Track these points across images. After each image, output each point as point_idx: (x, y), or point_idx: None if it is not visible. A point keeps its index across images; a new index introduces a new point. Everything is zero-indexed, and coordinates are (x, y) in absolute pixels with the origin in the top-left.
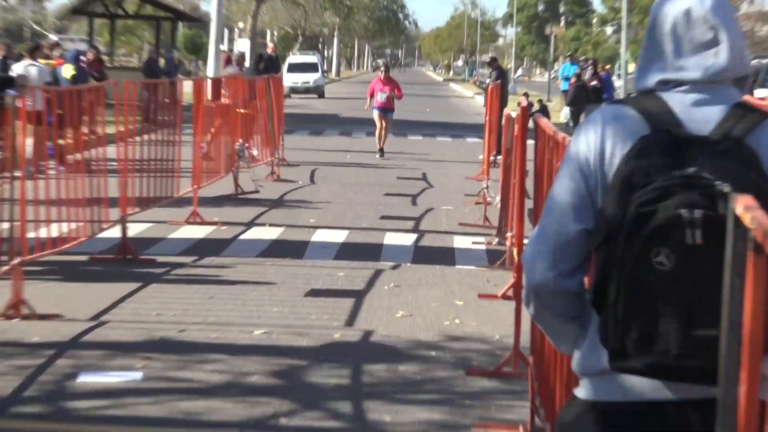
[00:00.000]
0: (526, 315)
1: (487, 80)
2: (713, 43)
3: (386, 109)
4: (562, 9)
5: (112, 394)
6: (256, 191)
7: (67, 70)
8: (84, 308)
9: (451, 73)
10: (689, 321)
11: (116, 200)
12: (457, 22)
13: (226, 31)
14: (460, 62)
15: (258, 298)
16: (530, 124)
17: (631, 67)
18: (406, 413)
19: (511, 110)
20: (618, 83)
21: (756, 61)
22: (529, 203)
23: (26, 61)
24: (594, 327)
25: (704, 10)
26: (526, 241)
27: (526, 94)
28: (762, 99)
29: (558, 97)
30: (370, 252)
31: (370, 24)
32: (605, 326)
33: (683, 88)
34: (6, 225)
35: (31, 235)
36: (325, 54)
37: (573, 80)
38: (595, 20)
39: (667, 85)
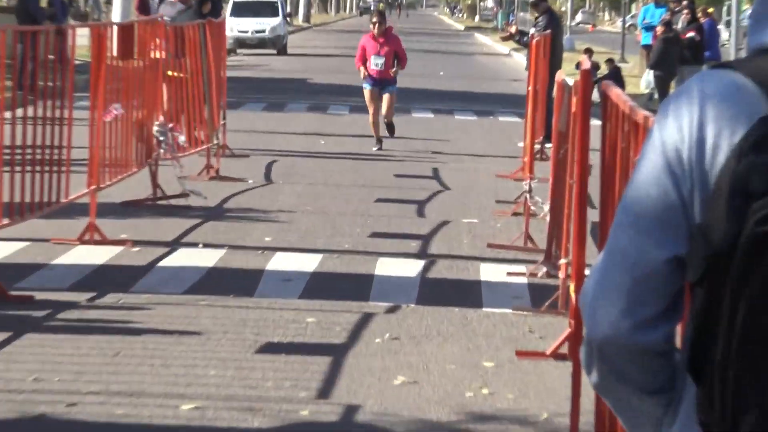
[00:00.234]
0: (588, 384)
1: (532, 30)
2: None
3: (384, 83)
4: None
5: None
6: (185, 195)
7: None
8: None
9: (477, 18)
10: None
11: None
12: None
13: None
14: (490, 2)
15: (186, 356)
16: (595, 95)
17: (747, 13)
18: None
19: (567, 75)
20: (726, 35)
21: None
22: (593, 215)
23: None
24: (689, 403)
25: None
26: (587, 272)
27: (588, 51)
28: None
29: (637, 55)
30: (355, 287)
31: None
32: (707, 402)
33: None
34: None
35: None
36: None
37: (660, 30)
38: None
39: None
